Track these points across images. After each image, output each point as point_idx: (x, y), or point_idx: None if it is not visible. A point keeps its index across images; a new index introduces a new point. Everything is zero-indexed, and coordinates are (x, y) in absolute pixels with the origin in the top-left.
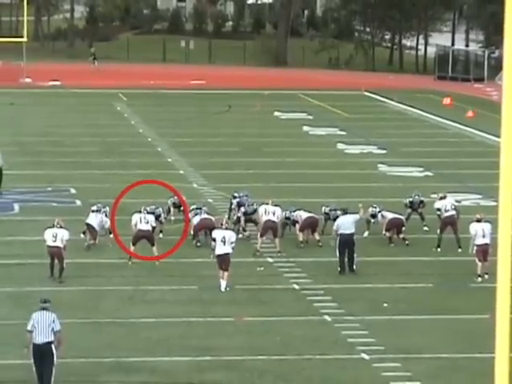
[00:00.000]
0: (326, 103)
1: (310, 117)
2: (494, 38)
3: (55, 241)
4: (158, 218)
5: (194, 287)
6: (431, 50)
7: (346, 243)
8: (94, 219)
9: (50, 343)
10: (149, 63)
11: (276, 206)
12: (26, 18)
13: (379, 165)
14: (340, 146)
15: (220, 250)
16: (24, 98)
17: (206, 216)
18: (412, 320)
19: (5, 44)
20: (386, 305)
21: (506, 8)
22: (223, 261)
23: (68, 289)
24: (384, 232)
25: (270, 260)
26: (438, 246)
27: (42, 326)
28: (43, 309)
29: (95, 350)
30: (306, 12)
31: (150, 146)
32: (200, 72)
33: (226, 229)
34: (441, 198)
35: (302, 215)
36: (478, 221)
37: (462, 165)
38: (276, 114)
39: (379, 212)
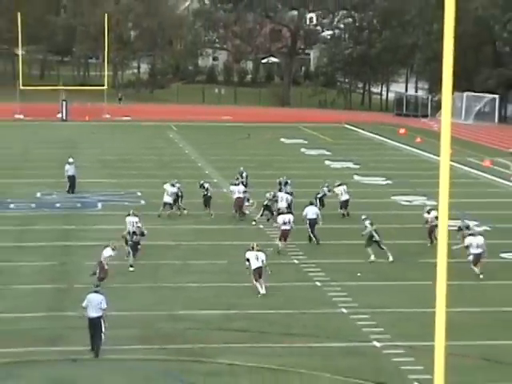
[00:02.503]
0: (317, 132)
1: (306, 142)
2: (435, 86)
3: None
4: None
5: (224, 262)
6: (391, 95)
7: (312, 225)
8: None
9: (99, 317)
10: (192, 104)
11: (289, 213)
12: (106, 73)
13: (354, 176)
14: (327, 162)
15: (255, 264)
16: (105, 128)
17: (239, 195)
18: (378, 285)
19: (92, 91)
20: (359, 274)
21: (444, 66)
22: (259, 272)
23: (135, 262)
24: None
25: (277, 242)
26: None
27: (94, 304)
28: (95, 291)
29: (154, 306)
30: (303, 68)
31: (193, 162)
32: (228, 110)
33: (258, 251)
34: (428, 212)
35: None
36: (472, 234)
37: (412, 175)
38: (282, 140)
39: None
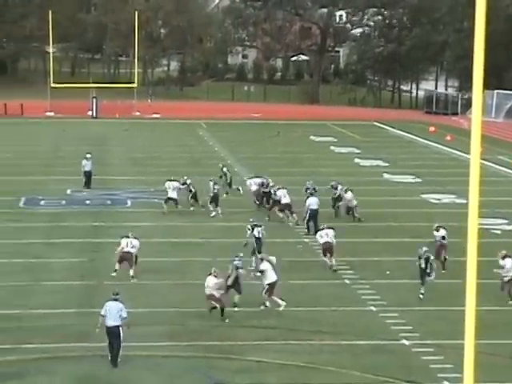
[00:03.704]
0: (346, 130)
1: (335, 140)
2: (466, 84)
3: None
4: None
5: (252, 259)
6: (421, 93)
7: (314, 215)
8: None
9: (117, 326)
10: (222, 101)
11: (329, 228)
12: (136, 70)
13: (384, 174)
14: (356, 160)
15: (272, 278)
16: (134, 126)
17: (256, 187)
18: (406, 283)
19: (122, 88)
20: (388, 272)
21: (474, 64)
22: (273, 287)
23: (164, 259)
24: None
25: (306, 240)
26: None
27: (112, 312)
28: (114, 299)
29: (182, 303)
30: (332, 65)
31: (222, 159)
32: (258, 108)
33: (268, 261)
34: (437, 230)
35: (282, 199)
36: (504, 257)
37: (442, 174)
38: (311, 137)
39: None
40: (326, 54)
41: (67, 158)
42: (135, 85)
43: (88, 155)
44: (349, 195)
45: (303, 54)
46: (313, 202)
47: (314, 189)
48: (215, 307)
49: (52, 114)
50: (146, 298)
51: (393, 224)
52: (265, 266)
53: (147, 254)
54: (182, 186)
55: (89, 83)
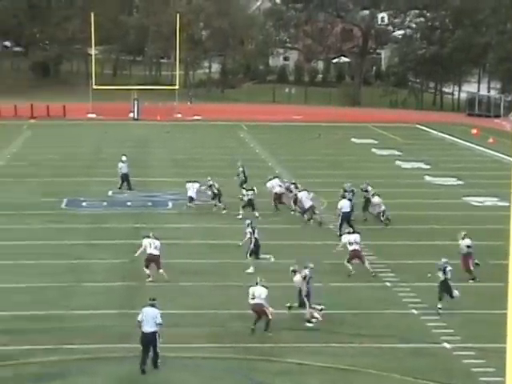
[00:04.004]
0: (388, 132)
1: (377, 142)
2: (508, 86)
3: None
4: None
5: (292, 261)
6: (463, 95)
7: (347, 218)
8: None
9: (154, 333)
10: (263, 104)
11: (355, 232)
12: (178, 73)
13: (425, 176)
14: (398, 162)
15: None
16: (176, 128)
17: (278, 188)
18: None
19: (164, 91)
20: (429, 275)
21: None
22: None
23: (203, 261)
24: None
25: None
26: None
27: (149, 318)
28: (151, 305)
29: (222, 304)
30: (374, 68)
31: (263, 161)
32: (299, 110)
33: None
34: (463, 238)
35: (304, 201)
36: None
37: (484, 176)
38: (352, 140)
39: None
40: (367, 56)
41: (109, 159)
42: (177, 87)
43: (123, 158)
44: (376, 200)
45: (344, 56)
46: (345, 205)
47: (353, 191)
48: (268, 321)
49: (94, 115)
50: (185, 299)
51: (435, 227)
52: (297, 278)
53: (186, 256)
54: (201, 188)
55: (130, 85)
